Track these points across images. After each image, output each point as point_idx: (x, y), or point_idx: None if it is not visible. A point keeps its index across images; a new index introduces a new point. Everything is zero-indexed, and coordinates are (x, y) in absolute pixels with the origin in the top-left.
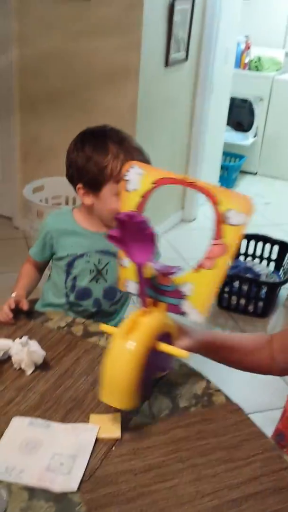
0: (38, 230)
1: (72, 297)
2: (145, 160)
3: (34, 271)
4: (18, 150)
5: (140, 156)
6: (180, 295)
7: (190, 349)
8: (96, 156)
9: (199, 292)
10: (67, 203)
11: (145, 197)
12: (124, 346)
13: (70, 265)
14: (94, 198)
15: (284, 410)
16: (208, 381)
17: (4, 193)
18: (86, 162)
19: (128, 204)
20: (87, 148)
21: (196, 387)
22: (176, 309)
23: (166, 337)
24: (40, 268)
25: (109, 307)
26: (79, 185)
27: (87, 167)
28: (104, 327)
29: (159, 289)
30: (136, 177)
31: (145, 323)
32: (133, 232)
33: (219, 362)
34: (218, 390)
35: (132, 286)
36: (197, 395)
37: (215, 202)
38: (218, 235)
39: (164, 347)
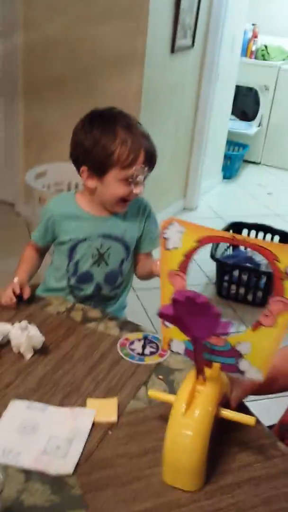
0: (41, 215)
1: (73, 281)
2: (151, 147)
3: (36, 256)
4: (22, 136)
5: (147, 143)
6: (236, 354)
7: (243, 397)
8: (104, 139)
9: (258, 351)
10: (69, 189)
11: (188, 256)
12: (186, 428)
13: (72, 250)
14: (98, 182)
15: None
16: None
17: (6, 179)
18: (93, 145)
19: (170, 263)
20: (95, 131)
21: None
22: (233, 368)
23: (223, 398)
24: (42, 252)
25: (110, 291)
26: (83, 168)
27: (94, 150)
28: (155, 394)
29: (213, 350)
30: (177, 235)
31: (205, 395)
32: (194, 311)
33: (271, 393)
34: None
35: (177, 346)
36: None
37: (273, 260)
38: (278, 292)
39: (228, 415)
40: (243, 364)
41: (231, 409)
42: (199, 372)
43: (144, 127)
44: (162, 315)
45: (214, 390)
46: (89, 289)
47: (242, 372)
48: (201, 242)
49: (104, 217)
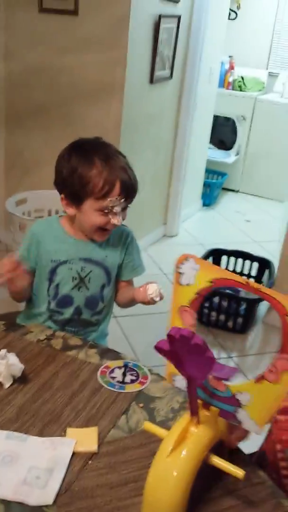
0: (22, 242)
1: (53, 305)
2: (129, 179)
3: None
4: (2, 163)
5: (125, 176)
6: (236, 403)
7: (245, 437)
8: (81, 169)
9: (259, 404)
10: (49, 216)
11: (200, 294)
12: (169, 467)
13: (53, 272)
14: (76, 210)
15: (269, 432)
16: (186, 395)
17: None
18: (70, 173)
19: (181, 299)
20: (73, 159)
21: (173, 401)
22: (230, 416)
23: (218, 445)
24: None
25: (91, 316)
26: (62, 195)
27: (70, 179)
28: (149, 427)
29: (212, 393)
30: (191, 271)
31: (196, 437)
32: (188, 350)
33: None
34: None
35: (180, 382)
36: (174, 409)
37: (284, 314)
38: (285, 349)
39: (218, 463)
40: (241, 414)
41: (231, 448)
42: (193, 413)
43: (127, 159)
44: (157, 349)
45: (206, 434)
46: (68, 313)
47: (239, 422)
48: (215, 283)
49: (86, 242)
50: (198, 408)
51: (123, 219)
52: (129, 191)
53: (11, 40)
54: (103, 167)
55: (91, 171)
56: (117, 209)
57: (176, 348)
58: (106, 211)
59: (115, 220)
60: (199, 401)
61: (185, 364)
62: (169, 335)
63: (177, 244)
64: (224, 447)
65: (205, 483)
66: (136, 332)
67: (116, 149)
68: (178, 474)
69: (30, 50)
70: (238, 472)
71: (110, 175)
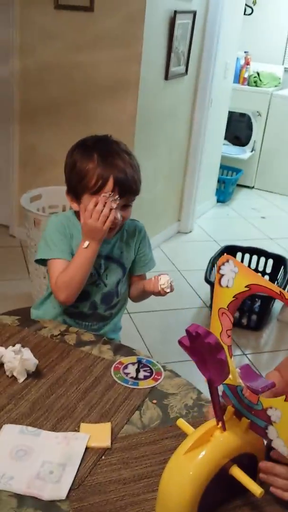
0: (41, 236)
1: None
2: (124, 177)
3: None
4: (17, 159)
5: (120, 173)
6: (267, 418)
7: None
8: (79, 163)
9: (287, 424)
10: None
11: (238, 298)
12: (185, 465)
13: None
14: (78, 206)
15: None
16: (199, 392)
17: (1, 201)
18: (71, 168)
19: (221, 300)
20: (75, 155)
21: (187, 398)
22: (261, 431)
23: (248, 458)
24: None
25: (105, 311)
26: (66, 190)
27: (71, 174)
28: (181, 423)
29: (244, 403)
30: (231, 274)
31: (217, 442)
32: (204, 349)
33: None
34: (209, 402)
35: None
36: (187, 406)
37: None
38: None
39: (237, 474)
40: (271, 432)
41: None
42: (217, 417)
43: (134, 159)
44: (180, 343)
45: (230, 442)
46: (83, 307)
47: (269, 440)
48: (251, 289)
49: (105, 239)
50: (223, 413)
51: (124, 218)
52: (124, 188)
53: (26, 37)
54: (99, 162)
55: (88, 166)
56: (112, 205)
57: (197, 346)
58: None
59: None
60: (231, 409)
61: (205, 364)
62: (187, 331)
63: (192, 240)
64: (257, 463)
65: (228, 497)
66: (149, 328)
67: (125, 148)
68: (193, 474)
69: (45, 47)
70: (256, 489)
71: (104, 170)
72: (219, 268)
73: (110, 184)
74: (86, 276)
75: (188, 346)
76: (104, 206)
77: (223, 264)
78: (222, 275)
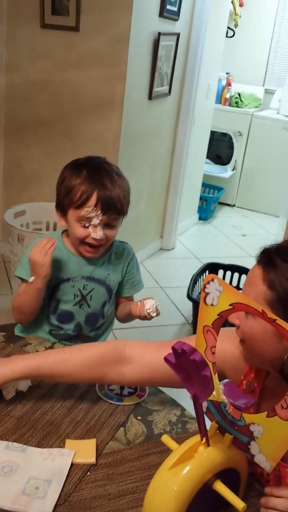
0: (23, 254)
1: (53, 320)
2: (109, 194)
3: None
4: (1, 174)
5: (105, 190)
6: (249, 434)
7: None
8: (68, 179)
9: (269, 439)
10: (47, 228)
11: (222, 316)
12: (170, 481)
13: (55, 288)
14: (65, 222)
15: None
16: (183, 409)
17: None
18: (59, 183)
19: (206, 318)
20: (66, 171)
21: (171, 414)
22: (243, 447)
23: (231, 473)
24: None
25: (89, 332)
26: (55, 206)
27: (59, 188)
28: (166, 439)
29: (228, 419)
30: (215, 292)
31: (201, 458)
32: (189, 366)
33: None
34: (193, 418)
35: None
36: (171, 422)
37: None
38: None
39: (221, 488)
40: (254, 447)
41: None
42: (201, 433)
43: (124, 180)
44: (166, 360)
45: (214, 457)
46: (68, 329)
47: (251, 455)
48: (235, 308)
49: (89, 260)
50: (207, 429)
51: (108, 238)
52: (107, 205)
53: (12, 54)
54: (86, 178)
55: (75, 181)
56: (95, 221)
57: (183, 362)
58: (85, 223)
59: (95, 234)
60: (215, 425)
61: (190, 381)
62: (173, 348)
63: (174, 257)
64: (240, 478)
65: (212, 508)
66: None
67: (116, 170)
68: (177, 489)
69: (31, 65)
70: (239, 503)
71: (89, 186)
72: (204, 287)
73: (93, 199)
74: (35, 306)
75: (174, 363)
76: (47, 241)
77: (208, 283)
78: (207, 293)
